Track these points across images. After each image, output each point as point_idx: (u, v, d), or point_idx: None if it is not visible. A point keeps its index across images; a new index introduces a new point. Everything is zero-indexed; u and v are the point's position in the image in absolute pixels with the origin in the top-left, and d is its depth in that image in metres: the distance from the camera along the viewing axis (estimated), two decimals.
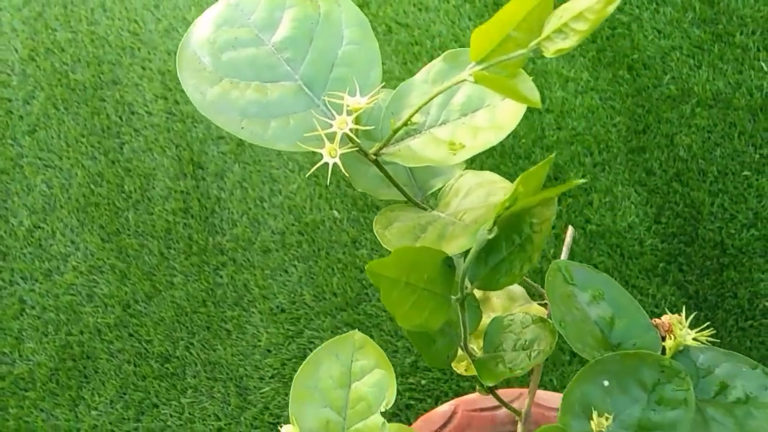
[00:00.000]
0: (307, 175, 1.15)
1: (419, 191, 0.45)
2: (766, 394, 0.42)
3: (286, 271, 1.11)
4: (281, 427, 0.40)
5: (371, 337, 1.10)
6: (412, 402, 1.05)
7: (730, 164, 1.16)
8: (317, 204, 1.14)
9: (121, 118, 1.18)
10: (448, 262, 0.38)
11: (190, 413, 1.04)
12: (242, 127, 0.37)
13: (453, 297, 0.39)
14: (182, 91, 1.20)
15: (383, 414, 0.40)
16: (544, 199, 0.36)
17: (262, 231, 1.13)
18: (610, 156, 1.17)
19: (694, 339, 0.42)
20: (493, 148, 1.18)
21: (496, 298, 0.53)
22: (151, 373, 1.06)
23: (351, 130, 0.36)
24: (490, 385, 0.44)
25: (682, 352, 0.44)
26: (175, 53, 1.29)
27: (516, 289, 0.54)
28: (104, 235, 1.12)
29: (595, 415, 0.38)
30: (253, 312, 1.09)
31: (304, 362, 0.42)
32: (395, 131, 0.37)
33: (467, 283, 0.40)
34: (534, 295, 0.55)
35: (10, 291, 1.10)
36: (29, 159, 1.16)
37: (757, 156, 1.16)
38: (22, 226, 1.12)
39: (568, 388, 0.39)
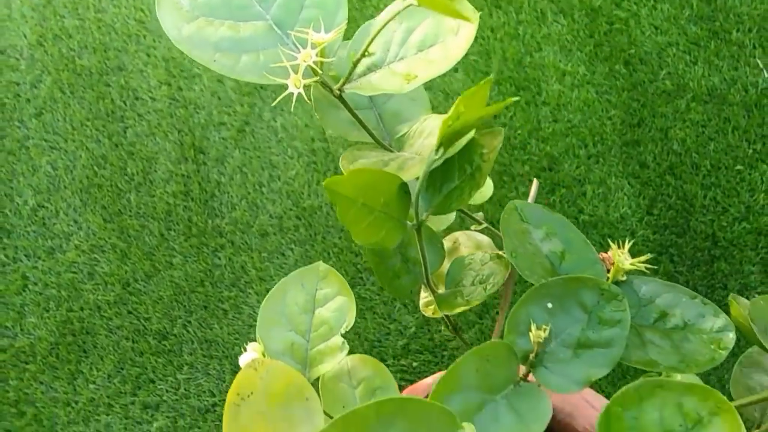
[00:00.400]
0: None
1: (387, 135, 0.48)
2: (702, 321, 0.45)
3: (283, 254, 1.14)
4: (247, 345, 0.43)
5: (364, 319, 1.14)
6: (402, 383, 1.08)
7: (723, 158, 1.18)
8: (315, 190, 1.17)
9: (125, 103, 1.23)
10: (404, 188, 0.41)
11: (185, 389, 1.08)
12: (215, 60, 0.40)
13: (409, 223, 0.43)
14: (186, 77, 1.25)
15: (343, 335, 0.44)
16: (485, 116, 0.39)
17: (260, 215, 1.16)
18: (604, 148, 1.20)
19: (632, 264, 0.45)
20: None
21: (464, 247, 0.56)
22: (148, 349, 1.09)
23: (315, 63, 0.40)
24: (446, 313, 0.47)
25: (626, 283, 0.47)
26: None
27: (483, 238, 0.57)
28: (106, 216, 1.16)
29: (533, 327, 0.41)
30: (249, 293, 1.12)
31: (272, 290, 0.46)
32: (355, 63, 0.41)
33: (422, 209, 0.43)
34: (501, 245, 0.58)
35: (13, 267, 1.14)
36: (35, 141, 1.20)
37: (751, 151, 1.19)
38: (27, 206, 1.17)
39: (514, 309, 0.42)
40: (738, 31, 1.26)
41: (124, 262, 1.13)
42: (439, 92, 1.23)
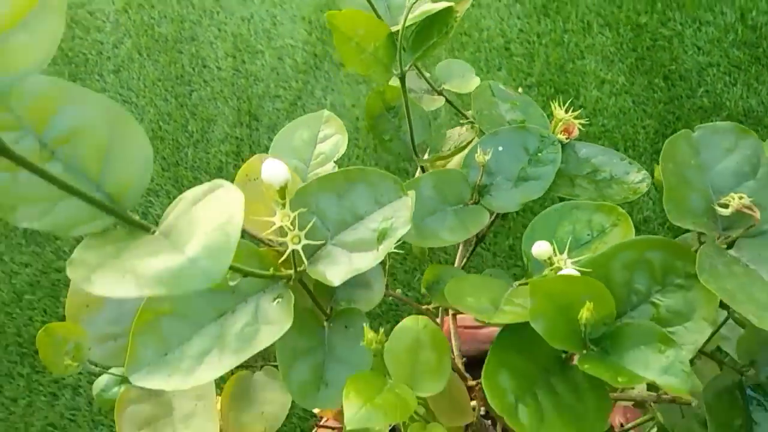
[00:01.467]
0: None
1: (392, 22, 0.62)
2: (626, 176, 0.56)
3: None
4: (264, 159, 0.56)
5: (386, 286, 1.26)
6: None
7: None
8: (354, 164, 1.31)
9: (193, 69, 1.40)
10: (392, 39, 0.54)
11: None
12: None
13: (395, 72, 0.56)
14: (250, 52, 1.41)
15: (336, 162, 0.56)
16: None
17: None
18: (635, 154, 1.31)
19: (567, 117, 0.56)
20: None
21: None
22: None
23: None
24: (422, 165, 0.60)
25: (569, 145, 0.58)
26: (249, 20, 1.49)
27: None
28: (165, 165, 1.32)
29: (480, 151, 0.53)
30: None
31: (282, 130, 0.59)
32: None
33: (405, 60, 0.56)
34: None
35: None
36: (111, 94, 1.38)
37: None
38: None
39: (469, 149, 0.54)
40: None
41: None
42: None
